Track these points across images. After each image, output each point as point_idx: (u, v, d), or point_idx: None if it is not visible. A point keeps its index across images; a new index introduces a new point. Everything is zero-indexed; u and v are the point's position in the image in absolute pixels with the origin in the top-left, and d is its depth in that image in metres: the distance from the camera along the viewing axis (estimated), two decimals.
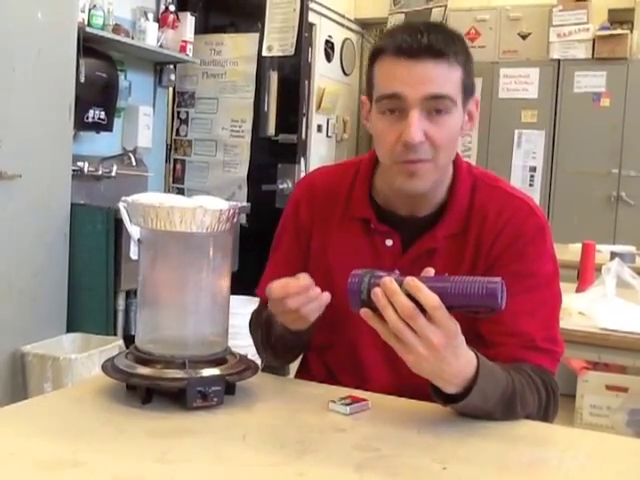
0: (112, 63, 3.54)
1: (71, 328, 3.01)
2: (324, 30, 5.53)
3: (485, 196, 1.27)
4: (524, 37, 5.24)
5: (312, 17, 4.86)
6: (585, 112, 4.96)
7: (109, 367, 1.13)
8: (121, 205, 1.20)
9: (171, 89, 4.27)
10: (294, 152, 4.14)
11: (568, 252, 3.16)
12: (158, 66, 4.09)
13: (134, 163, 3.71)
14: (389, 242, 1.28)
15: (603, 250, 3.16)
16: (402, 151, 1.17)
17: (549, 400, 1.18)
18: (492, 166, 4.88)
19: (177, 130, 4.31)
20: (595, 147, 4.93)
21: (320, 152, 5.53)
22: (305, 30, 4.05)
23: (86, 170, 3.44)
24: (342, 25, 5.82)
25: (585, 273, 2.44)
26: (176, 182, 4.31)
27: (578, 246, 2.63)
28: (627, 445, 1.10)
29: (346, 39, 5.87)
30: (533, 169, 5.13)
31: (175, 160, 4.32)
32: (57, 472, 0.87)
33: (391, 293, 0.97)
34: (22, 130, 2.75)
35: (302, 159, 4.24)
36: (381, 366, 1.25)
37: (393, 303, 0.97)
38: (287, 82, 4.16)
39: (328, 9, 5.51)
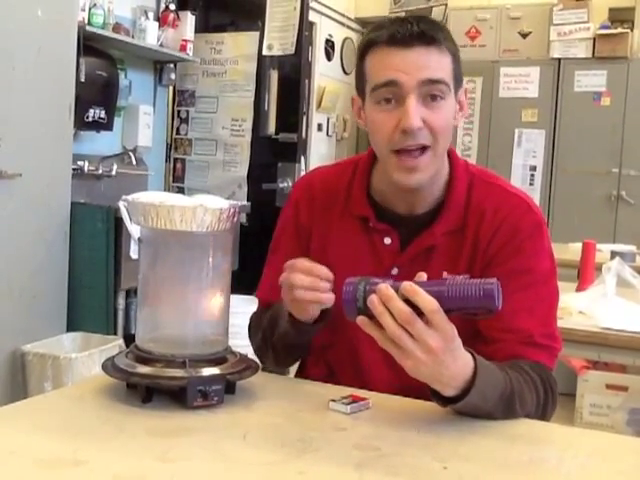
0: (112, 62, 3.53)
1: (71, 327, 3.01)
2: (324, 29, 5.53)
3: (482, 193, 1.27)
4: (524, 36, 5.24)
5: (312, 16, 4.86)
6: (585, 111, 4.96)
7: (109, 366, 1.13)
8: (121, 204, 1.20)
9: (171, 88, 4.26)
10: (294, 151, 4.14)
11: (568, 251, 3.16)
12: (158, 65, 4.09)
13: (134, 162, 3.70)
14: (387, 240, 1.28)
15: (603, 249, 3.17)
16: (401, 138, 1.17)
17: (547, 397, 1.18)
18: (492, 165, 4.88)
19: (177, 129, 4.31)
20: (595, 146, 4.93)
21: (320, 151, 5.52)
22: (305, 29, 4.05)
23: (86, 169, 3.44)
24: (342, 24, 5.81)
25: (585, 272, 2.44)
26: (176, 181, 4.31)
27: (578, 245, 2.63)
28: (627, 444, 1.09)
29: (346, 38, 5.87)
30: (533, 168, 5.13)
31: (175, 159, 4.32)
32: (57, 471, 0.87)
33: (388, 299, 0.97)
34: (22, 129, 2.75)
35: (302, 158, 4.24)
36: (381, 366, 1.25)
37: (390, 309, 0.97)
38: (287, 81, 4.16)
39: (328, 8, 5.51)
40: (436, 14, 5.27)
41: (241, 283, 1.82)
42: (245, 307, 1.64)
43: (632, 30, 4.91)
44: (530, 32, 5.21)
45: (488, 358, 1.11)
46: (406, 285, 0.98)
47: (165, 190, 4.17)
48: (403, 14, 5.37)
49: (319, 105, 5.45)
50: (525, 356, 1.18)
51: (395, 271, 1.27)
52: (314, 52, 5.26)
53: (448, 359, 0.99)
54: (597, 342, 1.96)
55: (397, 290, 0.98)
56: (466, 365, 1.03)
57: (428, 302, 0.96)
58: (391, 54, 1.17)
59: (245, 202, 3.84)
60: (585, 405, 3.17)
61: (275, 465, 0.90)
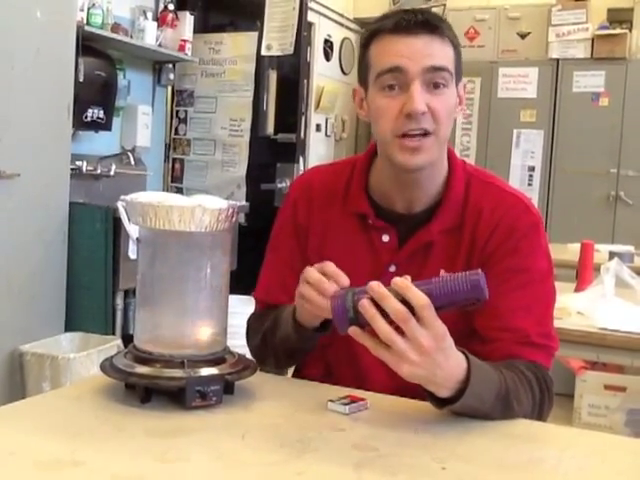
0: (111, 62, 3.53)
1: (69, 327, 3.01)
2: (323, 29, 5.53)
3: (479, 192, 1.28)
4: (523, 37, 5.24)
5: (311, 16, 4.86)
6: (584, 112, 4.96)
7: (108, 366, 1.13)
8: (120, 204, 1.20)
9: (170, 88, 4.26)
10: (293, 151, 4.14)
11: (567, 252, 3.16)
12: (157, 65, 4.09)
13: (133, 162, 3.70)
14: (386, 238, 1.29)
15: (602, 250, 3.17)
16: (405, 123, 1.18)
17: (543, 396, 1.18)
18: (491, 165, 4.88)
19: (176, 129, 4.30)
20: (594, 147, 4.93)
21: (319, 151, 5.52)
22: (304, 29, 4.05)
23: (85, 169, 3.44)
24: (341, 24, 5.81)
25: (584, 273, 2.44)
26: (175, 181, 4.30)
27: (577, 246, 2.63)
28: (625, 445, 1.10)
29: (345, 38, 5.87)
30: (532, 169, 5.13)
31: (174, 159, 4.32)
32: (56, 471, 0.87)
33: (381, 297, 0.97)
34: (21, 129, 2.75)
35: (301, 158, 4.24)
36: (379, 366, 1.25)
37: (385, 307, 0.97)
38: (286, 81, 4.16)
39: (327, 8, 5.51)
40: None
41: (239, 283, 1.82)
42: (243, 307, 1.64)
43: (630, 31, 4.92)
44: (529, 33, 5.21)
45: (485, 358, 1.11)
46: (397, 280, 0.98)
47: (164, 190, 4.17)
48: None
49: (318, 105, 5.45)
50: (521, 356, 1.18)
51: (393, 268, 1.27)
52: (313, 52, 5.26)
53: (440, 358, 0.99)
54: (595, 343, 1.96)
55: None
56: (459, 365, 1.03)
57: (418, 297, 0.96)
58: (396, 41, 1.19)
59: (244, 202, 3.84)
60: (583, 406, 3.17)
61: (274, 465, 0.90)
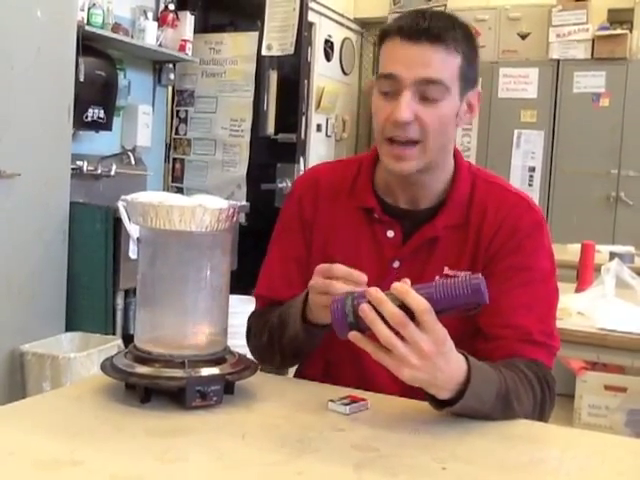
0: (111, 62, 3.53)
1: (70, 327, 3.00)
2: (324, 29, 5.53)
3: (484, 192, 1.29)
4: (523, 37, 5.24)
5: (312, 16, 4.86)
6: (584, 112, 4.96)
7: (108, 366, 1.13)
8: (120, 204, 1.20)
9: (170, 88, 4.26)
10: (293, 151, 4.14)
11: (567, 252, 3.16)
12: (157, 65, 4.09)
13: (133, 162, 3.70)
14: (390, 233, 1.29)
15: (602, 250, 3.16)
16: (391, 128, 1.20)
17: (544, 395, 1.18)
18: (491, 166, 4.88)
19: (176, 129, 4.30)
20: (594, 147, 4.93)
21: (319, 151, 5.53)
22: (305, 29, 4.05)
23: (85, 169, 3.44)
24: (342, 24, 5.82)
25: (584, 273, 2.44)
26: (175, 181, 4.30)
27: (577, 246, 2.63)
28: (626, 445, 1.10)
29: (345, 38, 5.87)
30: (532, 169, 5.13)
31: (174, 159, 4.32)
32: (56, 471, 0.87)
33: (379, 302, 0.97)
34: (21, 129, 2.75)
35: (301, 158, 4.24)
36: (382, 366, 1.25)
37: (382, 312, 0.97)
38: (286, 81, 4.16)
39: (328, 8, 5.51)
40: None
41: (239, 283, 1.82)
42: (244, 307, 1.64)
43: (631, 31, 4.92)
44: (529, 33, 5.21)
45: (487, 355, 1.11)
46: (397, 285, 0.99)
47: (164, 190, 4.17)
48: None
49: (318, 105, 5.45)
50: (523, 354, 1.19)
51: (396, 264, 1.28)
52: (313, 52, 5.27)
53: (441, 362, 0.99)
54: (596, 343, 1.96)
55: (387, 295, 0.98)
56: (459, 367, 1.03)
57: (418, 302, 0.97)
58: (398, 46, 1.19)
59: (244, 202, 3.84)
60: (584, 406, 3.17)
61: (274, 465, 0.90)
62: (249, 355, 1.26)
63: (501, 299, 1.17)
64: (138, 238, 1.18)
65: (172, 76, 4.13)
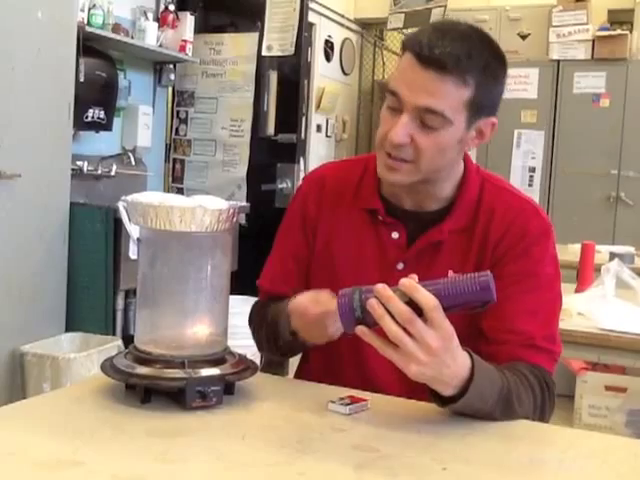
0: (112, 62, 3.54)
1: (70, 327, 3.01)
2: (324, 30, 5.53)
3: (492, 195, 1.29)
4: (524, 37, 5.24)
5: (312, 17, 4.87)
6: (585, 113, 4.96)
7: (108, 367, 1.13)
8: (120, 204, 1.20)
9: (171, 88, 4.26)
10: (293, 152, 4.14)
11: (567, 252, 3.16)
12: (158, 65, 4.09)
13: (133, 162, 3.71)
14: (395, 235, 1.29)
15: (602, 250, 3.16)
16: (387, 144, 1.19)
17: (544, 399, 1.18)
18: (491, 166, 4.88)
19: (176, 129, 4.30)
20: (594, 148, 4.93)
21: (319, 152, 5.53)
22: (305, 30, 4.05)
23: (85, 169, 3.44)
24: (342, 25, 5.82)
25: (584, 273, 2.44)
26: (175, 182, 4.31)
27: (577, 246, 2.63)
28: (626, 446, 1.09)
29: (346, 39, 5.87)
30: (532, 169, 5.13)
31: (174, 160, 4.32)
32: (56, 472, 0.87)
33: (387, 299, 0.97)
34: (21, 129, 2.75)
35: (301, 159, 4.24)
36: (387, 367, 1.25)
37: (390, 309, 0.97)
38: (287, 82, 4.16)
39: (328, 9, 5.51)
40: (435, 15, 5.26)
41: (240, 284, 1.82)
42: (244, 307, 1.64)
43: (631, 32, 4.92)
44: (529, 33, 5.21)
45: (489, 359, 1.11)
46: (405, 282, 0.98)
47: (164, 190, 4.17)
48: (402, 16, 5.38)
49: (318, 106, 5.45)
50: (525, 358, 1.19)
51: (401, 266, 1.27)
52: (313, 53, 5.27)
53: (448, 359, 1.00)
54: (596, 343, 1.96)
55: (394, 292, 0.98)
56: (464, 364, 1.04)
57: (427, 298, 0.97)
58: (408, 66, 1.16)
59: (244, 203, 3.84)
60: (584, 406, 3.17)
61: (274, 466, 0.90)
62: (249, 355, 1.26)
63: (506, 304, 1.17)
64: (138, 238, 1.18)
65: (172, 76, 4.14)
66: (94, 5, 3.35)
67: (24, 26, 2.73)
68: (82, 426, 1.01)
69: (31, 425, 1.01)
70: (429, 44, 1.13)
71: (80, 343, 2.93)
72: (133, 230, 1.18)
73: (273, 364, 1.51)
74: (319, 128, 5.54)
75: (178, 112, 4.29)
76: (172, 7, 3.90)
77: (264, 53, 4.00)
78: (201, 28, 4.15)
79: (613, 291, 2.19)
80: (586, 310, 2.07)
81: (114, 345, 2.85)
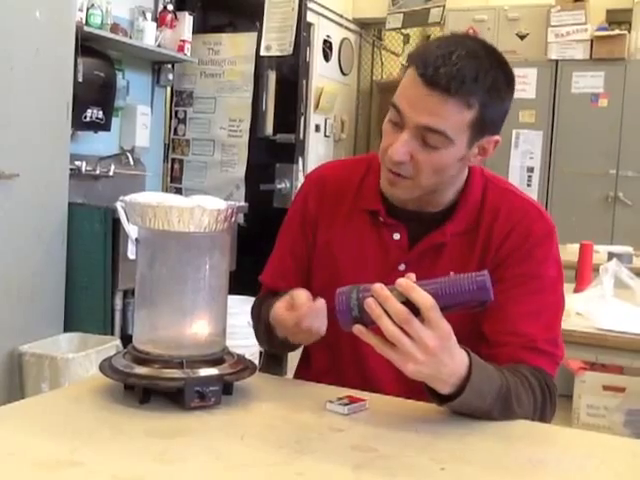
0: (110, 62, 3.53)
1: (68, 328, 3.01)
2: (322, 30, 5.53)
3: (496, 197, 1.29)
4: (522, 37, 5.24)
5: (310, 17, 4.86)
6: (583, 113, 4.96)
7: (106, 367, 1.13)
8: (119, 205, 1.20)
9: (169, 88, 4.27)
10: (292, 152, 4.14)
11: (566, 252, 3.13)
12: (156, 65, 4.09)
13: (132, 162, 3.71)
14: (397, 236, 1.29)
15: (601, 250, 3.16)
16: (387, 159, 1.19)
17: (545, 401, 1.18)
18: (490, 166, 4.78)
19: (175, 129, 4.30)
20: (593, 147, 4.93)
21: (318, 152, 5.53)
22: (303, 30, 4.05)
23: (84, 169, 3.44)
24: (340, 25, 5.82)
25: (583, 273, 2.44)
26: (174, 182, 4.31)
27: (576, 246, 2.63)
28: (624, 445, 1.09)
29: (344, 39, 5.87)
30: (531, 169, 5.13)
31: (173, 160, 4.32)
32: (55, 472, 0.87)
33: (384, 299, 0.98)
34: (20, 129, 2.75)
35: (300, 159, 4.24)
36: (386, 367, 1.25)
37: (387, 309, 0.97)
38: (285, 82, 4.16)
39: (326, 9, 5.51)
40: (434, 15, 5.27)
41: (238, 284, 1.82)
42: (243, 307, 1.64)
43: (629, 32, 4.92)
44: (528, 33, 5.21)
45: (490, 361, 1.11)
46: (402, 281, 0.99)
47: (163, 191, 4.17)
48: (401, 15, 5.38)
49: (317, 106, 5.45)
50: (526, 360, 1.19)
51: (402, 267, 1.27)
52: (312, 53, 5.27)
53: (446, 357, 1.00)
54: (594, 343, 1.96)
55: (391, 292, 0.98)
56: (462, 362, 1.04)
57: (424, 298, 0.97)
58: (412, 82, 1.14)
59: (243, 203, 3.84)
60: (582, 406, 3.17)
61: (273, 466, 0.90)
62: (248, 355, 1.26)
63: (508, 306, 1.17)
64: (137, 238, 1.18)
65: (171, 76, 4.14)
66: (92, 5, 3.35)
67: (22, 26, 2.73)
68: (81, 426, 1.01)
69: (30, 425, 1.01)
70: (434, 63, 1.11)
71: (78, 343, 2.93)
72: (131, 230, 1.18)
73: (272, 364, 1.52)
74: (318, 128, 5.55)
75: (176, 112, 4.29)
76: (170, 7, 3.90)
77: (262, 53, 3.99)
78: (199, 28, 4.15)
79: (611, 291, 2.19)
80: (584, 310, 2.07)
81: (112, 345, 2.85)
